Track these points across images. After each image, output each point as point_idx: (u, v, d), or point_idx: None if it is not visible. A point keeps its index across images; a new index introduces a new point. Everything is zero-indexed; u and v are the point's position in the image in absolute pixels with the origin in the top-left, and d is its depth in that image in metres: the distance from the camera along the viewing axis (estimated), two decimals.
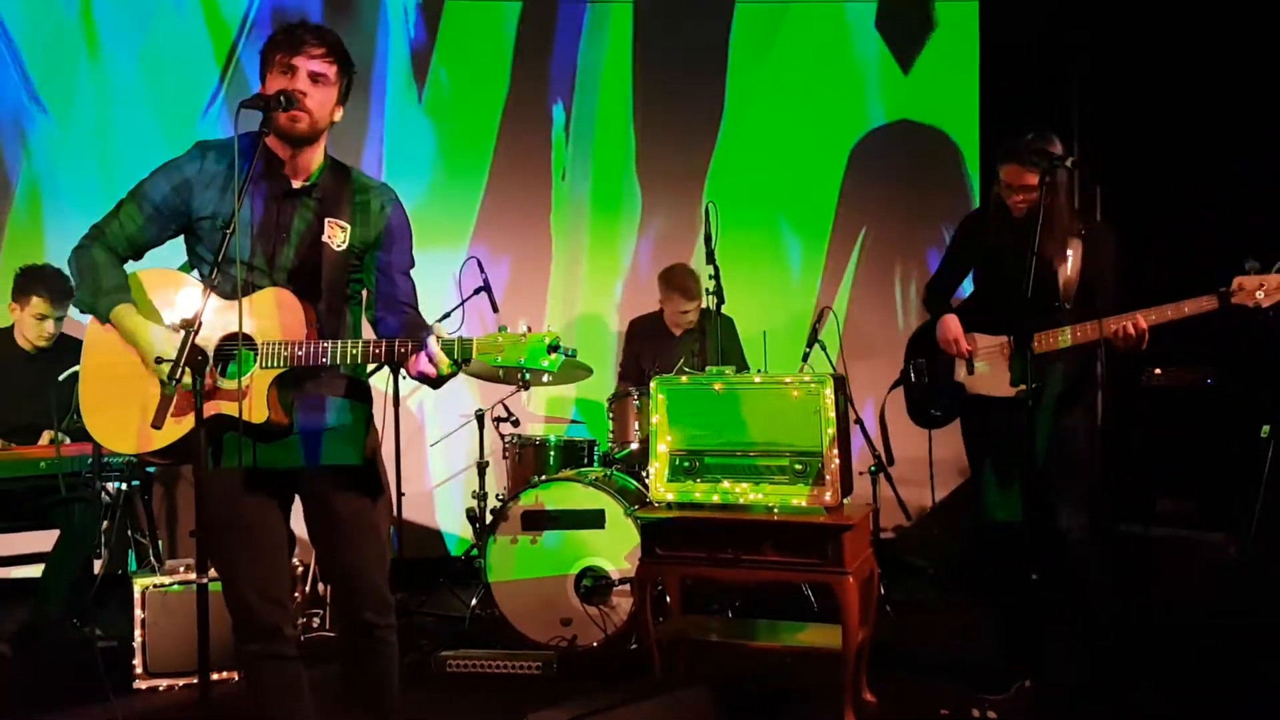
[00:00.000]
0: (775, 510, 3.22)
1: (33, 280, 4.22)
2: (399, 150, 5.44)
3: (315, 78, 2.34)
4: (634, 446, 4.31)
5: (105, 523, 4.02)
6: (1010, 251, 3.23)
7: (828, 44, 5.61)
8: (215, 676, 3.31)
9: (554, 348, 2.20)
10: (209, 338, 2.33)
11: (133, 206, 2.42)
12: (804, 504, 3.19)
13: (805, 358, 4.53)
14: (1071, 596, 3.32)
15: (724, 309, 4.14)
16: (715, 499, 3.29)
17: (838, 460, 3.18)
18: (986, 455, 3.43)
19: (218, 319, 2.33)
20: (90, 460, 3.91)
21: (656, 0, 5.57)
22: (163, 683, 3.55)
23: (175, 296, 2.41)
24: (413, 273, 2.54)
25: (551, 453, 4.44)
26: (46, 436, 4.04)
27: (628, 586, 3.81)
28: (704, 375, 3.38)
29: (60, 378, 3.73)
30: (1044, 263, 3.20)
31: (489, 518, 4.38)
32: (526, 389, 4.56)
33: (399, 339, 2.28)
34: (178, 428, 2.30)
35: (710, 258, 4.01)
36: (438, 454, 5.36)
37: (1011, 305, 3.09)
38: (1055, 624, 3.38)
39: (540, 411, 5.56)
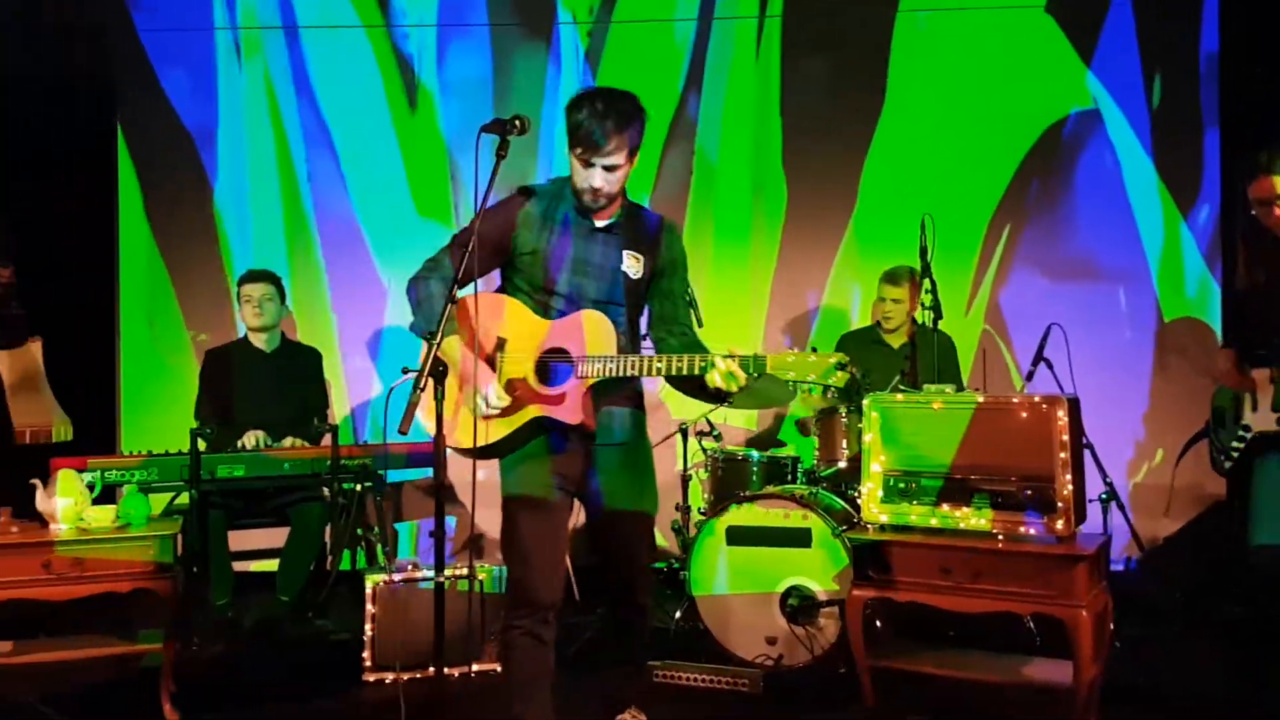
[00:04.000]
0: (1001, 538, 3.08)
1: (240, 278, 4.70)
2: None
3: (611, 169, 2.67)
4: (842, 465, 4.22)
5: (343, 519, 4.28)
6: (1272, 274, 3.00)
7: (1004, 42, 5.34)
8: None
9: (842, 366, 2.50)
10: (530, 351, 2.72)
11: (459, 245, 2.75)
12: (1033, 532, 3.05)
13: (1029, 377, 4.32)
14: None
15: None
16: (933, 523, 3.18)
17: (1071, 487, 3.02)
18: (1264, 481, 3.18)
19: (539, 337, 2.72)
20: (328, 462, 4.18)
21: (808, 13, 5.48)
22: (389, 676, 3.73)
23: (497, 319, 2.77)
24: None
25: (754, 469, 4.41)
26: (252, 438, 4.36)
27: (836, 608, 3.73)
28: (921, 393, 3.27)
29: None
30: None
31: (692, 531, 4.39)
32: (728, 404, 4.54)
33: (700, 354, 2.62)
34: (503, 428, 2.70)
35: (926, 271, 3.89)
36: None
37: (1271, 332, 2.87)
38: None
39: (741, 426, 5.54)
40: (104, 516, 3.36)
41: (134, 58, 5.45)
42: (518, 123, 2.51)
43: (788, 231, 5.51)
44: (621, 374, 2.63)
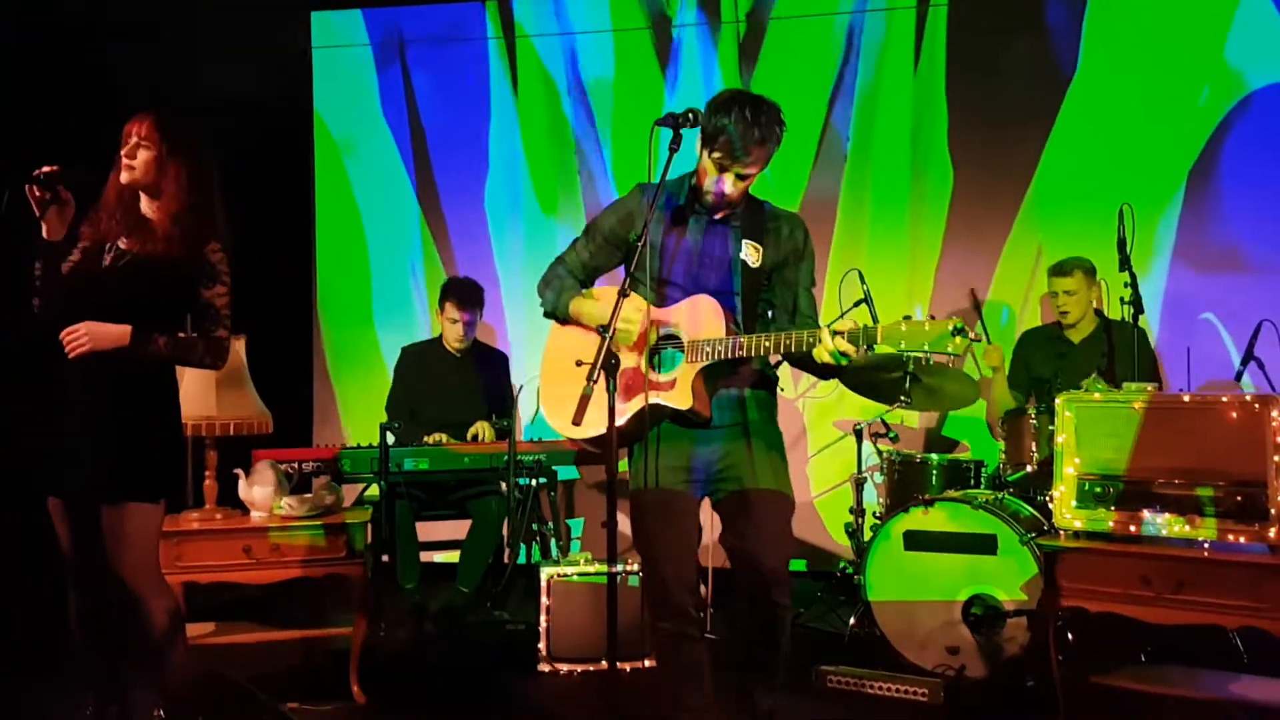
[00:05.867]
0: (1206, 546, 2.87)
1: (445, 290, 4.77)
2: None
3: (744, 178, 2.64)
4: (1030, 469, 4.02)
5: (518, 513, 4.39)
6: None
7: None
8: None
9: (959, 331, 2.28)
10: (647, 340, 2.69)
11: (584, 239, 2.86)
12: (1242, 540, 2.83)
13: (1238, 376, 4.01)
14: None
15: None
16: (1131, 529, 2.99)
17: None
18: None
19: (651, 325, 2.68)
20: (505, 457, 4.29)
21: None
22: (563, 667, 3.79)
23: (608, 309, 2.65)
24: (814, 290, 2.82)
25: (934, 472, 4.26)
26: (486, 431, 4.51)
27: (1023, 619, 3.55)
28: (1120, 392, 3.08)
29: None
30: None
31: (868, 534, 4.28)
32: (907, 404, 4.39)
33: (808, 330, 2.52)
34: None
35: (1125, 264, 3.67)
36: (814, 467, 5.33)
37: None
38: None
39: (920, 428, 5.36)
40: (301, 505, 3.55)
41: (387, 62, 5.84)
42: (690, 115, 2.51)
43: (952, 220, 5.29)
44: (730, 356, 2.56)
